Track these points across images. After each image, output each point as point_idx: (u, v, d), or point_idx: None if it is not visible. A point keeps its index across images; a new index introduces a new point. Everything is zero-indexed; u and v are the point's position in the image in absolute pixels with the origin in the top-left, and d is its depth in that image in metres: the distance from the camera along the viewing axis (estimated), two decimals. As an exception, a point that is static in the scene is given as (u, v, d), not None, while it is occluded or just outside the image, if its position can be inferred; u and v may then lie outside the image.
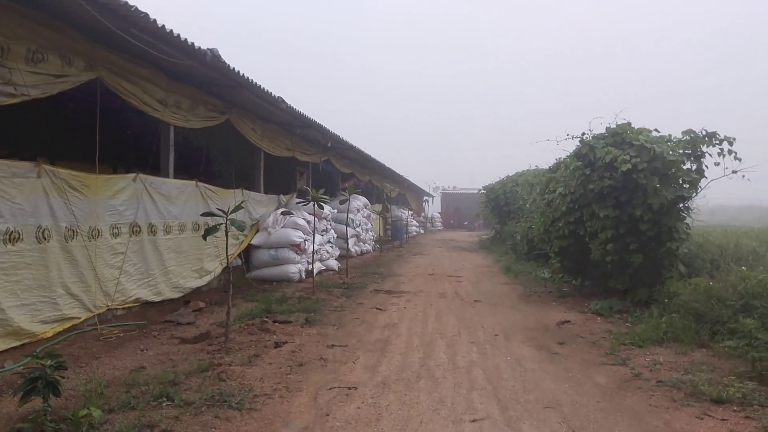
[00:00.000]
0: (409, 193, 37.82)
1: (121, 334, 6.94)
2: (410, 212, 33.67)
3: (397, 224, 26.84)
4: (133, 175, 8.18)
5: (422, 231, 39.28)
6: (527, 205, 17.32)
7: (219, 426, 4.14)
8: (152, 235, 8.53)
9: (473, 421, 4.32)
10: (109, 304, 7.55)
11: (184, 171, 10.17)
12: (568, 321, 8.19)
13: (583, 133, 9.61)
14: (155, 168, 9.37)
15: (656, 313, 7.55)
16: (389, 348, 6.52)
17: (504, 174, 24.00)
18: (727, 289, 6.67)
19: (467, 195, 49.10)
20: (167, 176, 9.14)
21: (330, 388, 5.03)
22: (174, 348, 6.35)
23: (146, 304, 8.33)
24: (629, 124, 9.30)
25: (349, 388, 5.04)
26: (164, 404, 4.46)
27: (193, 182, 9.52)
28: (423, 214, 45.87)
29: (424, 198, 48.38)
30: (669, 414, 4.53)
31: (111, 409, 4.31)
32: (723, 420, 4.35)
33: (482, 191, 26.31)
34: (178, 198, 9.13)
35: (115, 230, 7.72)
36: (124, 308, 7.88)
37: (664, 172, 8.35)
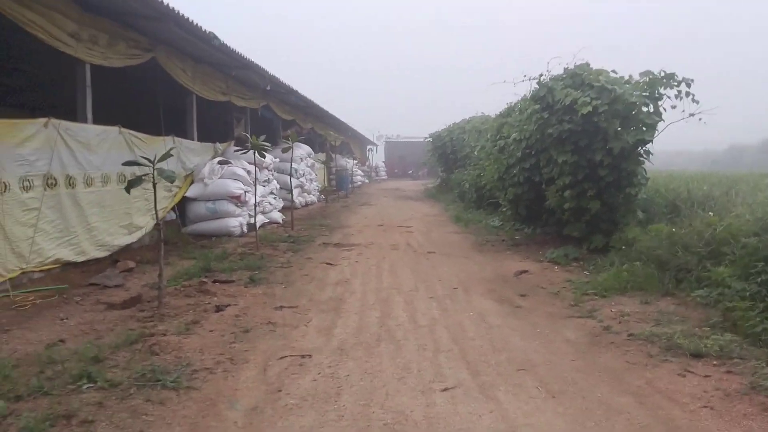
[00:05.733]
0: (352, 141, 36.89)
1: (38, 301, 6.11)
2: (355, 161, 32.93)
3: (341, 174, 26.11)
4: (43, 119, 7.13)
5: (367, 181, 38.69)
6: (475, 153, 16.96)
7: (151, 411, 3.53)
8: (71, 188, 7.57)
9: (444, 390, 3.88)
10: (24, 267, 6.65)
11: (106, 117, 9.07)
12: (526, 271, 7.91)
13: (541, 75, 9.14)
14: (72, 113, 8.29)
15: (617, 262, 7.34)
16: (344, 307, 6.00)
17: (450, 121, 23.45)
18: (692, 235, 6.46)
19: (411, 143, 48.50)
20: (85, 121, 8.10)
21: (281, 358, 4.48)
22: (99, 315, 5.62)
23: (68, 266, 7.45)
24: (588, 64, 8.88)
25: (303, 357, 4.50)
26: (85, 387, 3.79)
27: (115, 128, 8.49)
28: (367, 163, 45.14)
29: (368, 147, 47.52)
30: (649, 372, 4.23)
31: (18, 396, 3.62)
32: (706, 377, 4.08)
33: (428, 139, 25.82)
34: (100, 146, 8.13)
35: (25, 183, 6.74)
36: (42, 271, 7.00)
37: (625, 115, 8.00)
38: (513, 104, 12.13)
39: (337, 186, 25.31)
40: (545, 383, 4.02)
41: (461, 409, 3.60)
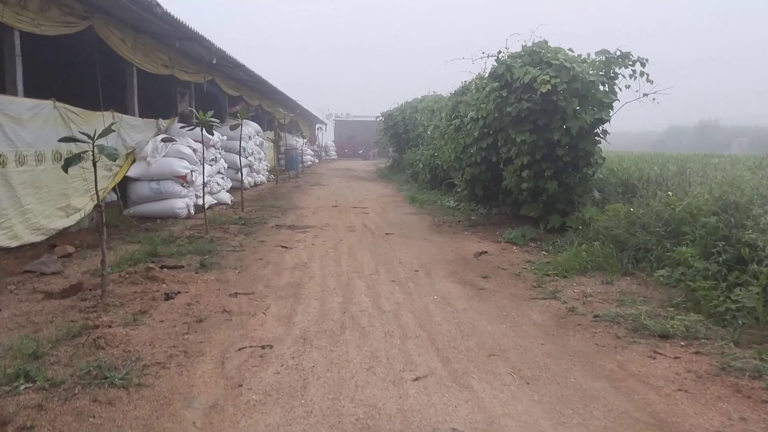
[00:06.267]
0: (301, 120, 36.09)
1: (-35, 291, 5.57)
2: (304, 140, 32.27)
3: (291, 153, 25.51)
4: (-34, 91, 6.49)
5: (317, 160, 38.09)
6: (428, 132, 16.83)
7: (99, 413, 3.20)
8: (1, 168, 6.94)
9: (416, 379, 3.70)
10: (-53, 254, 6.07)
11: (39, 90, 8.36)
12: (486, 252, 7.82)
13: (500, 52, 8.99)
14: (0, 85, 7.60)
15: (576, 242, 7.35)
16: (303, 293, 5.73)
17: (402, 100, 23.15)
18: (650, 215, 6.49)
19: (361, 123, 47.99)
20: (15, 94, 7.44)
21: (240, 349, 4.19)
22: (36, 306, 5.15)
23: (0, 251, 6.85)
24: (546, 42, 8.79)
25: (263, 347, 4.23)
26: (22, 387, 3.41)
27: (49, 102, 7.83)
28: (317, 142, 44.40)
29: (318, 126, 46.73)
30: (619, 354, 4.18)
31: (-57, 401, 3.22)
32: (676, 358, 4.06)
33: (379, 118, 25.49)
34: (32, 121, 7.47)
35: (-53, 162, 6.12)
36: (-31, 258, 6.42)
37: (583, 94, 7.97)
38: (468, 83, 12.00)
39: (286, 166, 24.73)
40: (518, 369, 3.91)
41: (435, 399, 3.43)
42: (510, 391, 3.58)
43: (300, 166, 26.55)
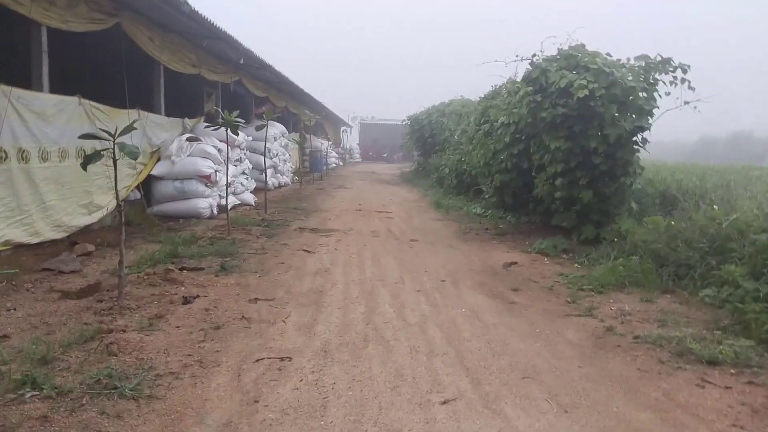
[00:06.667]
0: (327, 122, 36.04)
1: (-18, 288, 5.46)
2: (329, 143, 32.20)
3: (315, 155, 25.40)
4: (-10, 86, 6.41)
5: (341, 163, 38.01)
6: (456, 137, 16.54)
7: (105, 427, 3.00)
8: (24, 163, 6.88)
9: (444, 402, 3.43)
10: (-32, 249, 5.99)
11: (65, 87, 8.29)
12: (515, 262, 7.51)
13: (534, 55, 8.68)
14: (27, 81, 7.53)
15: (612, 255, 6.99)
16: (325, 300, 5.50)
17: (428, 104, 22.85)
18: (694, 229, 6.12)
19: (386, 126, 47.83)
20: (41, 90, 7.37)
21: (257, 360, 3.97)
22: (52, 306, 5.01)
23: (20, 248, 6.78)
24: (583, 45, 8.45)
25: (282, 359, 4.00)
26: (28, 395, 3.23)
27: (75, 98, 7.76)
28: (342, 145, 44.35)
29: (342, 128, 46.70)
30: (664, 381, 3.86)
31: (-55, 408, 3.05)
32: (727, 388, 3.72)
33: (405, 122, 25.24)
34: (57, 117, 7.41)
35: (-30, 156, 6.05)
36: (-11, 253, 6.34)
37: (622, 100, 7.62)
38: (498, 87, 11.70)
39: (311, 168, 24.63)
40: (554, 394, 3.61)
41: (466, 426, 3.16)
42: (547, 419, 3.29)
43: (324, 168, 26.43)
